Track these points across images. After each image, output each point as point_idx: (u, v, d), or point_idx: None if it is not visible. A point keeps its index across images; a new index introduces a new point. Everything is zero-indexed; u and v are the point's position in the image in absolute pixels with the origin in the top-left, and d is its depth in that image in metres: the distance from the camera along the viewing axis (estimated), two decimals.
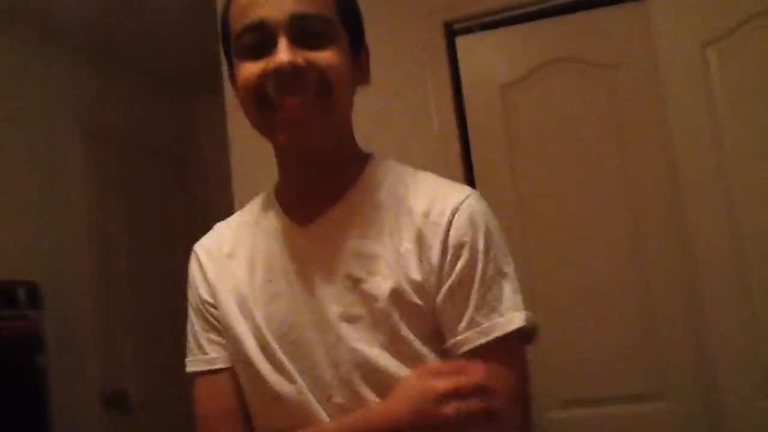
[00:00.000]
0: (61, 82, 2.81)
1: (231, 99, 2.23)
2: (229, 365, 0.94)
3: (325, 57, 0.86)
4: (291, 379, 0.87)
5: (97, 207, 2.88)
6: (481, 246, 0.86)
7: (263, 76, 0.85)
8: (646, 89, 1.94)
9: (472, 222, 0.87)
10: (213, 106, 2.57)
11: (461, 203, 0.88)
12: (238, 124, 2.10)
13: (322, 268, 0.90)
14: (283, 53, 0.83)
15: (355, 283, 0.87)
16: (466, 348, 0.84)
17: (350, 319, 0.87)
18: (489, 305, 0.85)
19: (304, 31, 0.85)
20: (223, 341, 0.94)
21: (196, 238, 1.02)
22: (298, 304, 0.90)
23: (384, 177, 0.94)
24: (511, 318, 0.84)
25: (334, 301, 0.88)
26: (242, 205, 1.04)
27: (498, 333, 0.84)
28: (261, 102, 0.87)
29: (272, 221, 0.96)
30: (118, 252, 2.97)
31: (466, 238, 0.86)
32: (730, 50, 1.87)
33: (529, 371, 0.88)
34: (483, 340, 0.84)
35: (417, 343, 0.86)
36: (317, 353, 0.88)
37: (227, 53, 0.95)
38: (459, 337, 0.85)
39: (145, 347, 2.97)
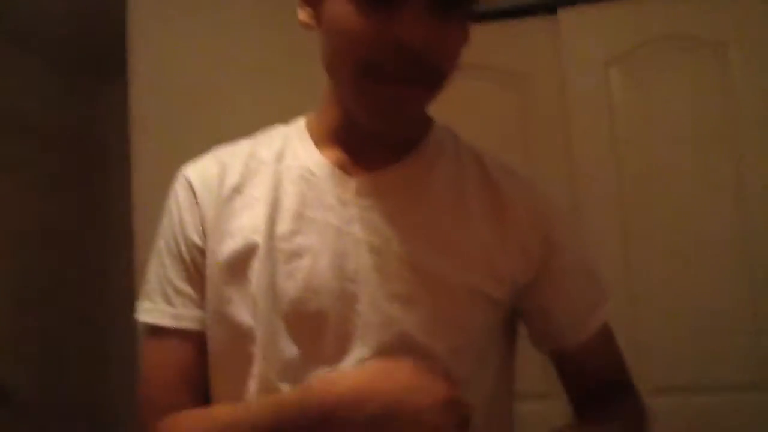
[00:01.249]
0: None
1: (137, 82, 2.11)
2: (197, 328, 0.74)
3: (454, 38, 0.70)
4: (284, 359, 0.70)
5: None
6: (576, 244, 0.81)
7: (381, 42, 0.65)
8: (553, 100, 1.99)
9: (569, 217, 0.82)
10: (118, 89, 2.43)
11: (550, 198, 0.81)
12: (142, 111, 1.96)
13: (376, 232, 0.72)
14: (418, 26, 0.64)
15: (419, 258, 0.71)
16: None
17: (405, 300, 0.70)
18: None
19: None
20: (198, 297, 0.74)
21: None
22: (333, 266, 0.71)
23: (452, 146, 0.81)
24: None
25: (383, 273, 0.71)
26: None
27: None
28: (361, 64, 0.67)
29: (305, 161, 0.77)
30: (4, 241, 2.77)
31: (567, 234, 0.80)
32: (630, 69, 1.95)
33: None
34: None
35: (484, 344, 0.74)
36: (346, 331, 0.70)
37: None
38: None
39: (28, 338, 2.79)
